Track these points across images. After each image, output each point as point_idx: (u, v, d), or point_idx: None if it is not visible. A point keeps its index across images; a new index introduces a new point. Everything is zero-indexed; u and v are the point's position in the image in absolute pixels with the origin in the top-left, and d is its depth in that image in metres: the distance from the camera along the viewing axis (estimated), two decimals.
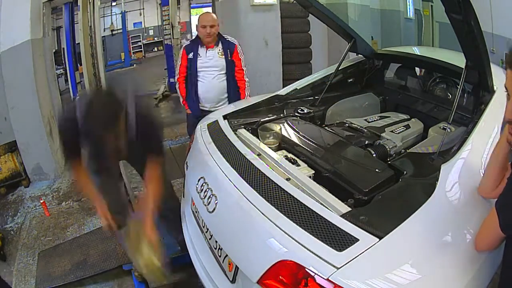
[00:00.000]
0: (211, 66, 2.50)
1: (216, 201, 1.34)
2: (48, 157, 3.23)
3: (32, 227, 2.63)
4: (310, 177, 1.41)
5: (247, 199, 1.21)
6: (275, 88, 2.48)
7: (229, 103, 2.57)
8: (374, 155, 1.64)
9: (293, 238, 1.02)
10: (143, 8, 12.20)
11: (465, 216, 1.17)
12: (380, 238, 0.98)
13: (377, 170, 1.39)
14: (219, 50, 2.52)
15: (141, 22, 12.16)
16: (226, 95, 2.60)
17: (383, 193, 1.25)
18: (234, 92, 2.60)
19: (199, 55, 2.51)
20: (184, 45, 2.59)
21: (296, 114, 2.06)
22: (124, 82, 1.62)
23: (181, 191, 2.08)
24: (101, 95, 1.49)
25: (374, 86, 2.49)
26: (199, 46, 2.50)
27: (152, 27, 12.17)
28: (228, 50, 2.52)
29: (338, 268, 0.91)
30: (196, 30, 2.58)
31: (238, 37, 3.73)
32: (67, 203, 2.94)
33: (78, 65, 6.70)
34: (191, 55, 2.51)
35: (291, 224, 1.06)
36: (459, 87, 1.59)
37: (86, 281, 2.06)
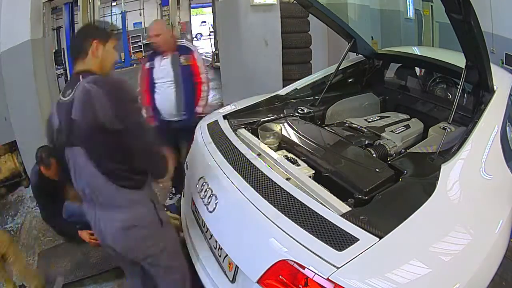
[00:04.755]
0: (163, 77, 2.37)
1: (216, 201, 1.34)
2: None
3: (32, 227, 2.63)
4: (310, 176, 1.41)
5: (247, 198, 1.21)
6: (275, 88, 2.46)
7: (186, 111, 2.41)
8: (374, 155, 1.64)
9: (293, 238, 1.02)
10: (143, 8, 12.19)
11: (465, 216, 1.18)
12: (380, 237, 0.98)
13: (377, 170, 1.39)
14: (173, 58, 2.38)
15: (141, 22, 12.14)
16: (182, 104, 2.41)
17: (383, 192, 1.25)
18: (190, 100, 2.41)
19: (154, 65, 2.39)
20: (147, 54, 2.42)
21: (296, 114, 2.05)
22: None
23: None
24: None
25: (374, 86, 2.49)
26: (156, 55, 2.39)
27: None
28: (183, 57, 2.37)
29: (338, 268, 0.91)
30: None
31: (238, 37, 3.76)
32: None
33: None
34: (148, 65, 2.41)
35: (291, 224, 1.06)
36: (459, 87, 1.59)
37: (86, 281, 2.06)
